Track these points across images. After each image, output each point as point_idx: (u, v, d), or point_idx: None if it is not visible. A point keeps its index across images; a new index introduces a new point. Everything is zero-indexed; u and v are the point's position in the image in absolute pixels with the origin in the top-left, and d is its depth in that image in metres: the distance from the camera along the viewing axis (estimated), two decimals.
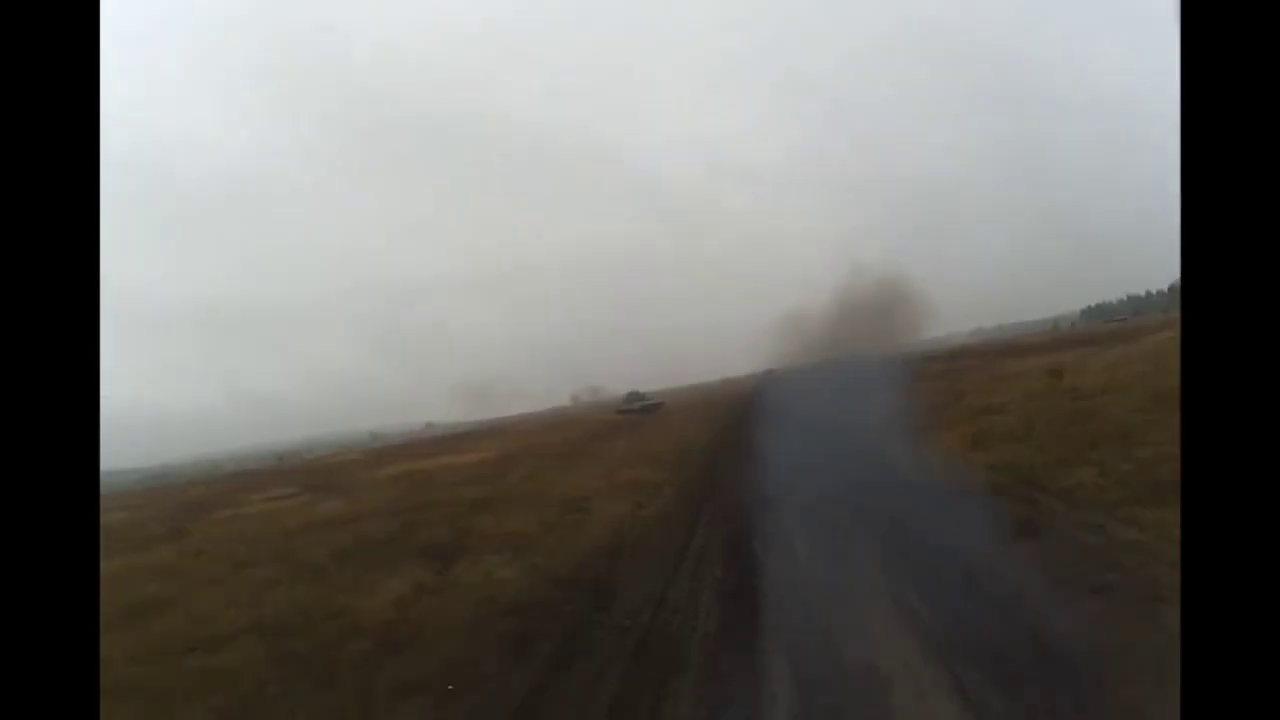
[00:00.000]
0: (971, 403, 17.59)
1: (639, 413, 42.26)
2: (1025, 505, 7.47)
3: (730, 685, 4.43)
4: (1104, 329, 53.00)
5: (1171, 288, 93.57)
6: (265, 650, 6.50)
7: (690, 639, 5.32)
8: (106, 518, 22.53)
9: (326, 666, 5.81)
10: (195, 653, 6.81)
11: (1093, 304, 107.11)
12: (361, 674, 5.52)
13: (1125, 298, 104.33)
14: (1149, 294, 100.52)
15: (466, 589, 7.39)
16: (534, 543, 9.17)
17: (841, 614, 5.25)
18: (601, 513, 10.66)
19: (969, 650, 4.31)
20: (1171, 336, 28.30)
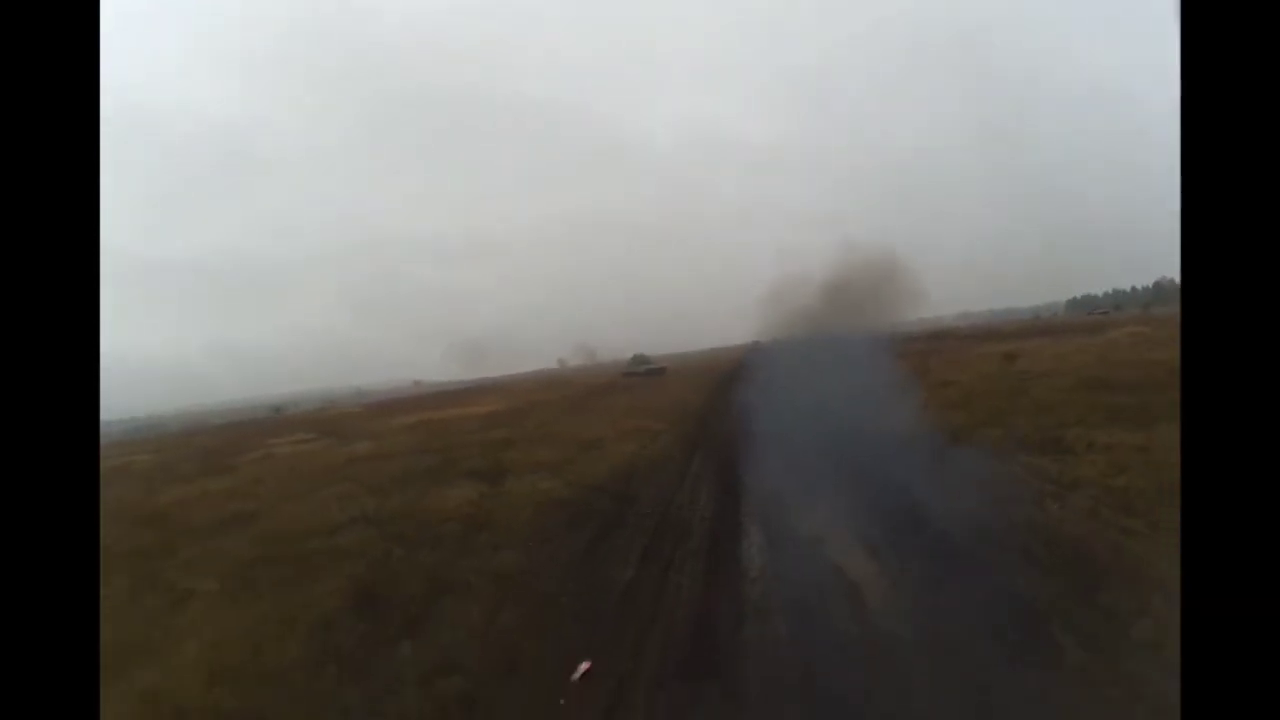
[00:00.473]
0: (933, 378, 19.96)
1: (643, 376, 42.94)
2: (943, 449, 9.86)
3: (722, 544, 6.77)
4: (1081, 321, 55.82)
5: (1156, 283, 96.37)
6: (376, 533, 8.66)
7: (693, 520, 7.70)
8: (132, 460, 24.12)
9: (430, 540, 7.99)
10: (315, 538, 8.84)
11: (1079, 295, 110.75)
12: (460, 541, 7.77)
13: (1110, 291, 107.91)
14: (1134, 289, 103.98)
15: (519, 495, 9.64)
16: (563, 469, 11.39)
17: (799, 508, 7.59)
18: (614, 449, 12.96)
19: (882, 526, 6.67)
20: (1131, 332, 30.98)
